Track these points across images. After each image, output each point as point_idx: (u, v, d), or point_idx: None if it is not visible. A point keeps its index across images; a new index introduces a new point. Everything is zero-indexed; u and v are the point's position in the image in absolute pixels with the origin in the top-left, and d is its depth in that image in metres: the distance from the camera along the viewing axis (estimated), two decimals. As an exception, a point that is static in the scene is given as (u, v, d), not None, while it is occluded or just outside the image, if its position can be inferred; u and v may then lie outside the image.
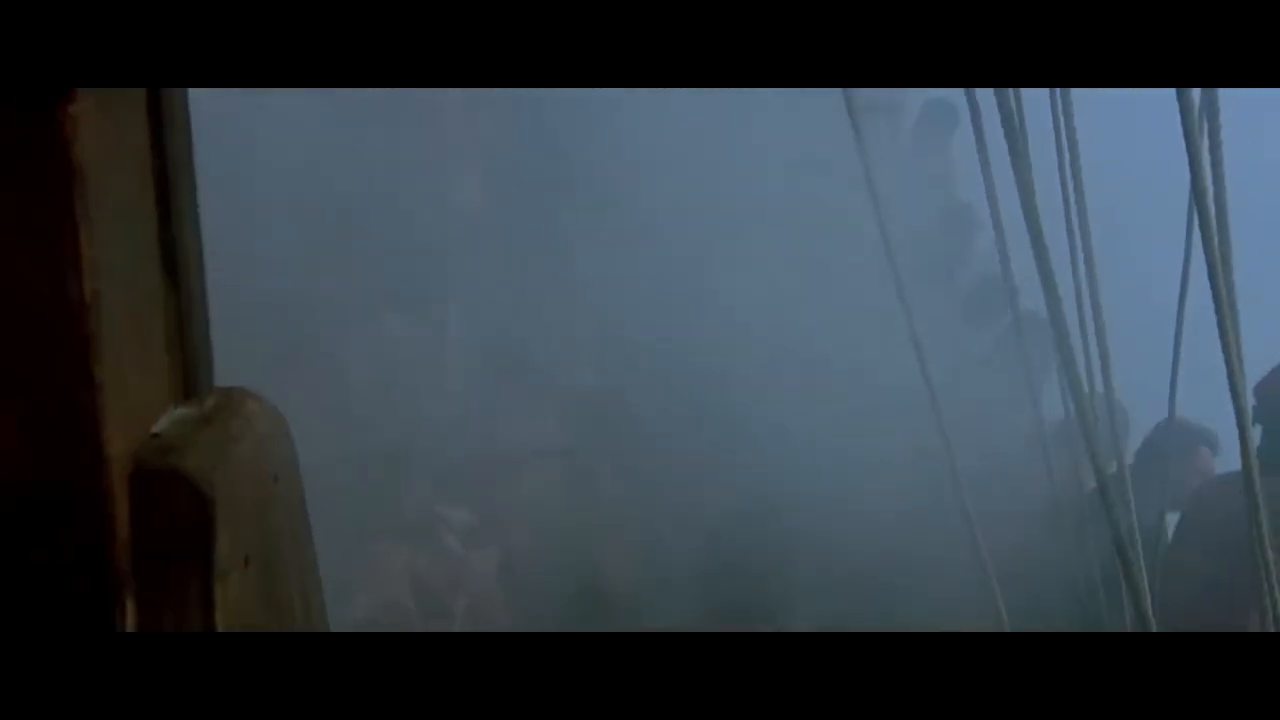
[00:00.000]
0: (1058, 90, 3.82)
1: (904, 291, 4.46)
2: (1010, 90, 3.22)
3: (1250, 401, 3.23)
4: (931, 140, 6.89)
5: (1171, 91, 2.44)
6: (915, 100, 6.78)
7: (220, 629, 1.12)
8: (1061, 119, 3.70)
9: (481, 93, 6.30)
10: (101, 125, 1.01)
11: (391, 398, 4.65)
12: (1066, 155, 3.78)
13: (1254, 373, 4.12)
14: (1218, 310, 3.13)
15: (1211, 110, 2.99)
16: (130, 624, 1.10)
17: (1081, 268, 4.00)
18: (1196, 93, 2.65)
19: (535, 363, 5.96)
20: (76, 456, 1.04)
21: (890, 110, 6.31)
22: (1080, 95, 4.00)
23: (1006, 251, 4.32)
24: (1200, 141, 2.62)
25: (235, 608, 1.14)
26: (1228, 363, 3.23)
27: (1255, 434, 3.88)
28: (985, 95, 3.48)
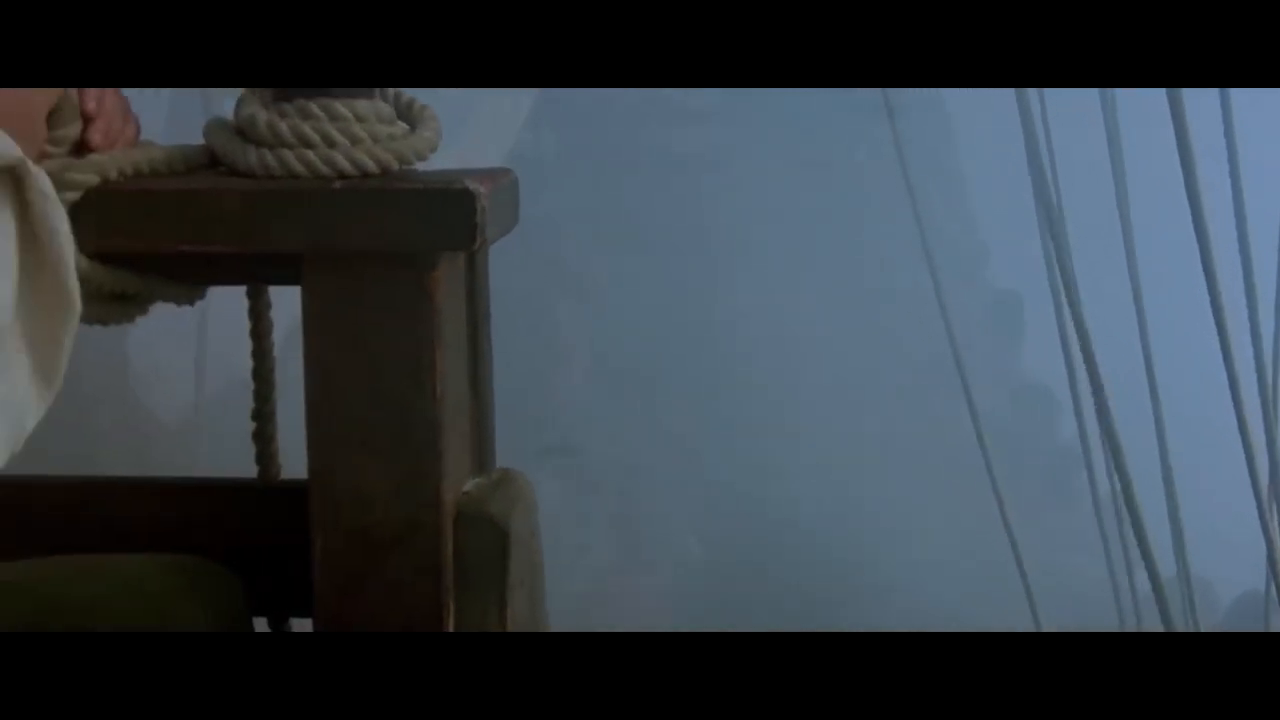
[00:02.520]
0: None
1: (996, 479, 4.92)
2: (1074, 279, 3.72)
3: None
4: (1003, 325, 7.39)
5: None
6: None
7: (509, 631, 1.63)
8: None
9: (590, 293, 6.96)
10: (447, 283, 1.56)
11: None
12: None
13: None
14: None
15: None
16: (451, 624, 1.61)
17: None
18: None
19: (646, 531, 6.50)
20: (424, 502, 1.57)
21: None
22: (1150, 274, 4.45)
23: (1087, 438, 4.75)
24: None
25: (516, 618, 1.66)
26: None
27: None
28: (1057, 286, 3.99)
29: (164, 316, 1.79)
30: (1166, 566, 4.33)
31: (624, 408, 6.60)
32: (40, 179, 1.37)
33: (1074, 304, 3.99)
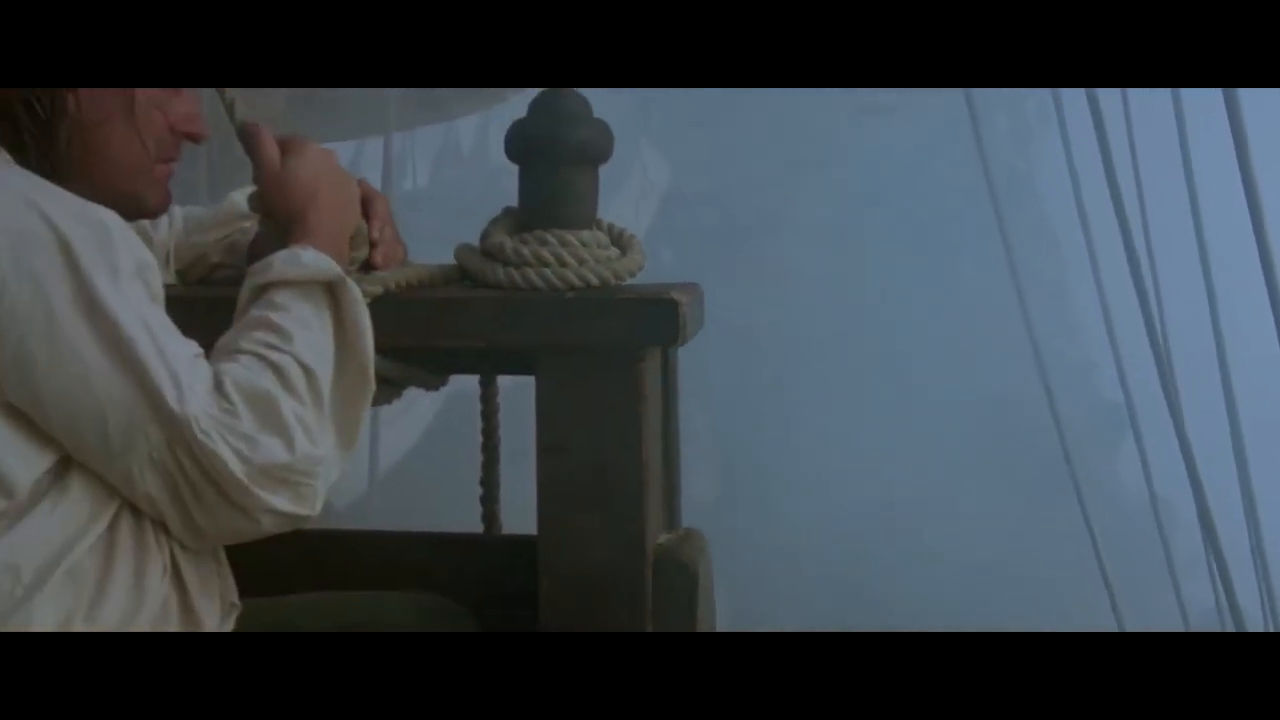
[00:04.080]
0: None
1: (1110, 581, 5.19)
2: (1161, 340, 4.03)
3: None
4: (1109, 434, 7.68)
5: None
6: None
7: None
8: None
9: (710, 399, 7.35)
10: (651, 373, 1.96)
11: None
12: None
13: None
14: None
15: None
16: (648, 648, 1.99)
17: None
18: None
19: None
20: (630, 550, 1.96)
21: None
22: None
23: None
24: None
25: (699, 647, 2.03)
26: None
27: None
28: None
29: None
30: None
31: (742, 500, 6.98)
32: (354, 289, 1.79)
33: (1176, 416, 4.31)
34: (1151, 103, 5.10)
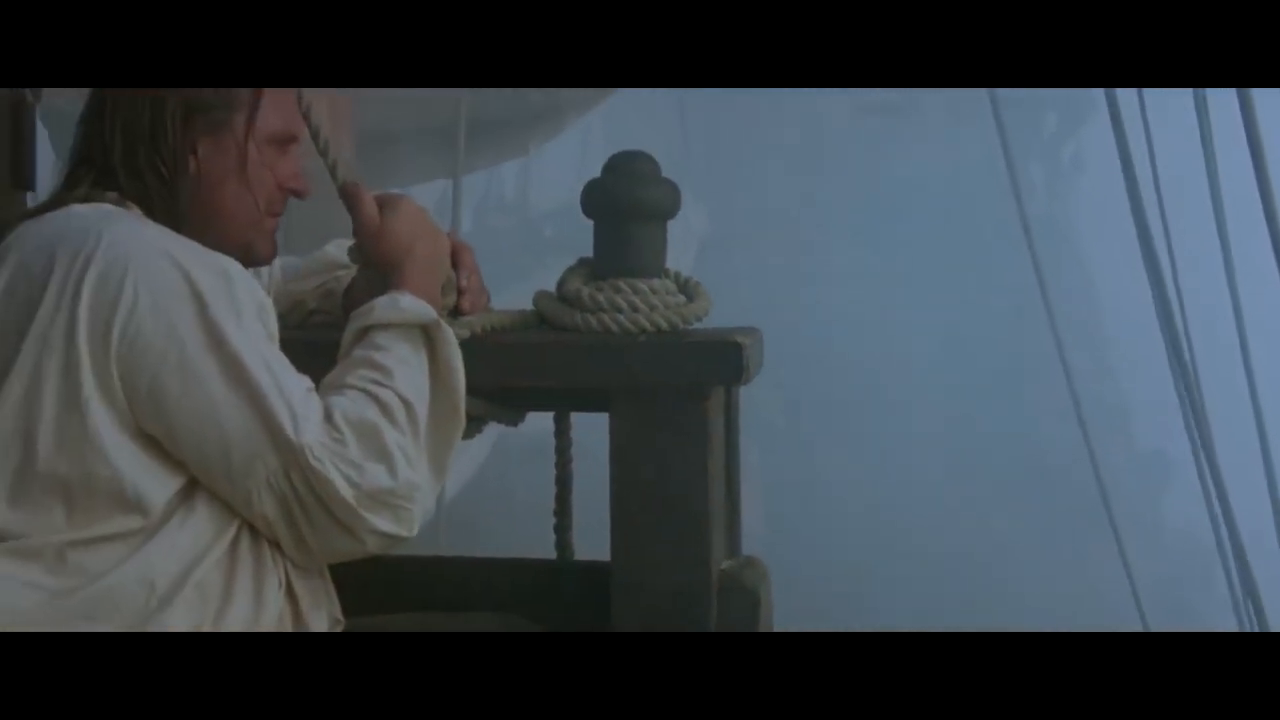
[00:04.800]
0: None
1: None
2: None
3: None
4: (1148, 480, 7.80)
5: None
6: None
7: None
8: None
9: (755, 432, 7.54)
10: (716, 409, 2.13)
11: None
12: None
13: None
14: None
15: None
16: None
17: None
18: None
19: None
20: (696, 574, 2.12)
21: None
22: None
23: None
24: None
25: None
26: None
27: None
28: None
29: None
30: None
31: (788, 530, 7.12)
32: (448, 332, 1.96)
33: (1211, 460, 4.44)
34: (1179, 141, 5.22)
